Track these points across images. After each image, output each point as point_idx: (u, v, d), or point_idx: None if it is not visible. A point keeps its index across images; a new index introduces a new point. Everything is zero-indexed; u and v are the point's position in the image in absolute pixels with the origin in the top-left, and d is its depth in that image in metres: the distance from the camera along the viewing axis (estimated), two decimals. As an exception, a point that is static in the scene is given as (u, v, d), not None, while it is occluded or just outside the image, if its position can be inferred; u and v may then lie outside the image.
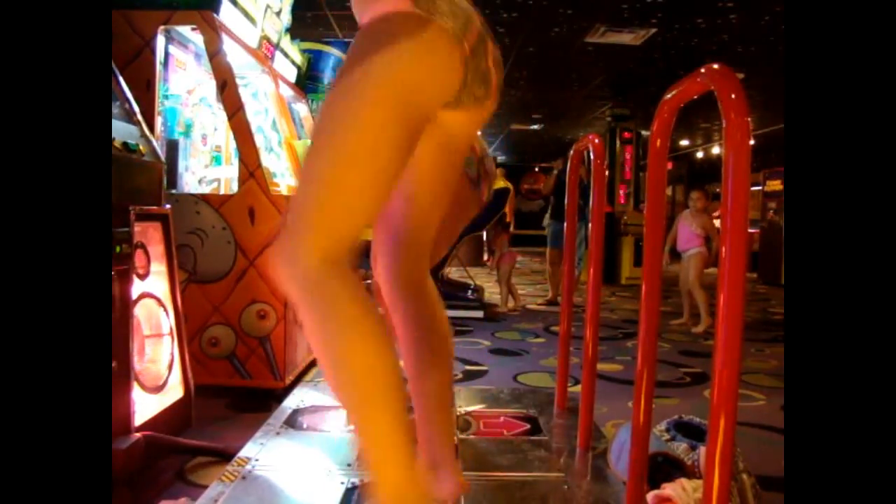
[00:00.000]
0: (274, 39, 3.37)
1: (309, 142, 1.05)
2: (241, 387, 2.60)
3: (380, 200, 1.02)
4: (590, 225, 1.94)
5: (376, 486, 1.01)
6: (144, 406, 1.79)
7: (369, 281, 1.56)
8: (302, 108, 4.00)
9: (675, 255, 4.94)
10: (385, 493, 1.00)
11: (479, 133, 1.46)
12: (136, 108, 2.00)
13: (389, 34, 0.99)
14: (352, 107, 0.96)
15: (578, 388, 2.07)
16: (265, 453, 1.83)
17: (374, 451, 1.00)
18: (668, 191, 14.79)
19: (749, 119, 0.93)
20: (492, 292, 6.33)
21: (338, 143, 0.95)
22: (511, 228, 7.22)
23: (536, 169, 18.24)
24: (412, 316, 1.30)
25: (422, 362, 1.32)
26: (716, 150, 12.69)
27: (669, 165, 11.56)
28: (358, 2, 1.12)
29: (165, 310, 1.99)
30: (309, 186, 0.97)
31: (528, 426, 2.13)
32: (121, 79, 2.00)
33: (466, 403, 2.38)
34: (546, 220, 6.24)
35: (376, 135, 0.96)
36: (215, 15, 2.64)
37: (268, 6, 3.19)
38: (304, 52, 4.02)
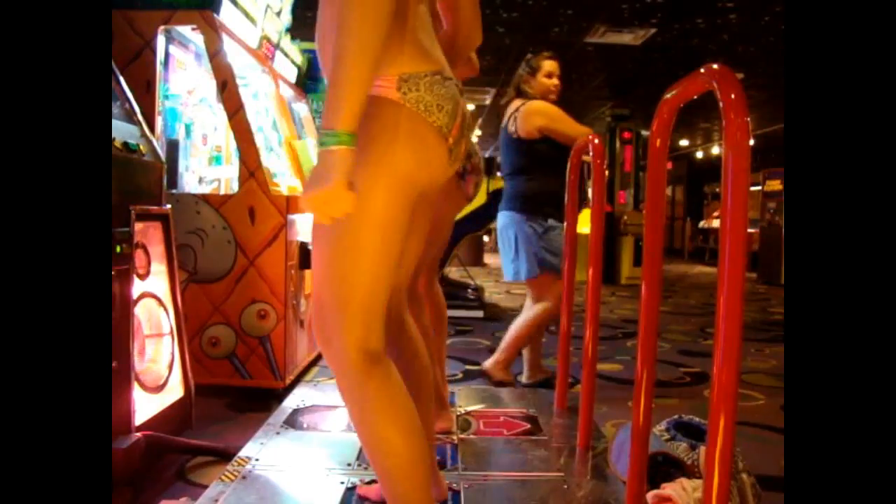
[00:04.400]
0: (274, 39, 3.37)
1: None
2: (241, 387, 2.59)
3: (393, 277, 1.13)
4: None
5: None
6: (144, 406, 1.79)
7: None
8: (302, 108, 4.00)
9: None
10: None
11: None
12: (137, 108, 2.00)
13: (380, 126, 1.07)
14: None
15: (578, 388, 2.07)
16: (265, 453, 1.84)
17: None
18: (668, 191, 14.80)
19: (749, 119, 0.93)
20: (492, 292, 6.33)
21: (345, 239, 1.06)
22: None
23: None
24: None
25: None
26: (716, 150, 12.68)
27: (669, 165, 11.56)
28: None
29: (166, 309, 1.99)
30: (330, 285, 1.09)
31: (528, 426, 2.13)
32: (121, 79, 2.00)
33: (466, 403, 2.38)
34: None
35: (379, 225, 1.07)
36: (215, 15, 2.64)
37: (268, 6, 3.19)
38: (304, 52, 4.02)
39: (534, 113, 2.75)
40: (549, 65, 2.85)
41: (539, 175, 2.74)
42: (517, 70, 2.96)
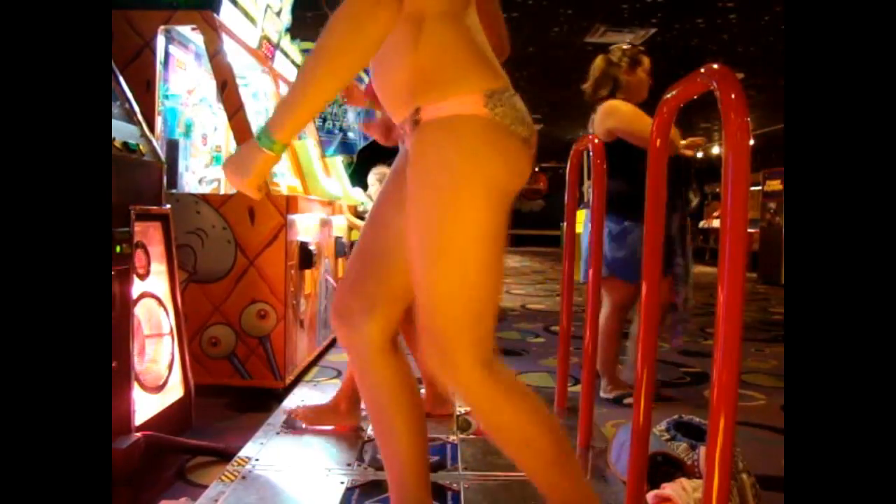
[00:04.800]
0: (274, 39, 3.37)
1: (417, 247, 1.12)
2: (241, 387, 2.59)
3: (500, 288, 1.16)
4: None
5: None
6: (144, 406, 1.79)
7: None
8: (302, 108, 4.00)
9: None
10: None
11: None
12: (137, 108, 2.00)
13: (476, 141, 1.07)
14: (460, 219, 1.06)
15: (578, 387, 2.07)
16: (265, 453, 1.84)
17: None
18: (668, 191, 14.75)
19: (749, 119, 0.93)
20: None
21: (466, 259, 1.07)
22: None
23: (537, 169, 18.26)
24: None
25: None
26: (716, 150, 12.68)
27: (669, 165, 11.48)
28: (417, 84, 1.10)
29: (165, 309, 1.99)
30: (451, 303, 1.08)
31: (528, 426, 2.13)
32: (121, 79, 2.00)
33: (466, 403, 2.37)
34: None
35: (486, 239, 1.08)
36: (215, 15, 2.64)
37: (268, 6, 3.19)
38: (304, 52, 4.02)
39: (606, 114, 2.59)
40: (647, 61, 2.68)
41: (618, 175, 2.39)
42: (608, 61, 2.68)
